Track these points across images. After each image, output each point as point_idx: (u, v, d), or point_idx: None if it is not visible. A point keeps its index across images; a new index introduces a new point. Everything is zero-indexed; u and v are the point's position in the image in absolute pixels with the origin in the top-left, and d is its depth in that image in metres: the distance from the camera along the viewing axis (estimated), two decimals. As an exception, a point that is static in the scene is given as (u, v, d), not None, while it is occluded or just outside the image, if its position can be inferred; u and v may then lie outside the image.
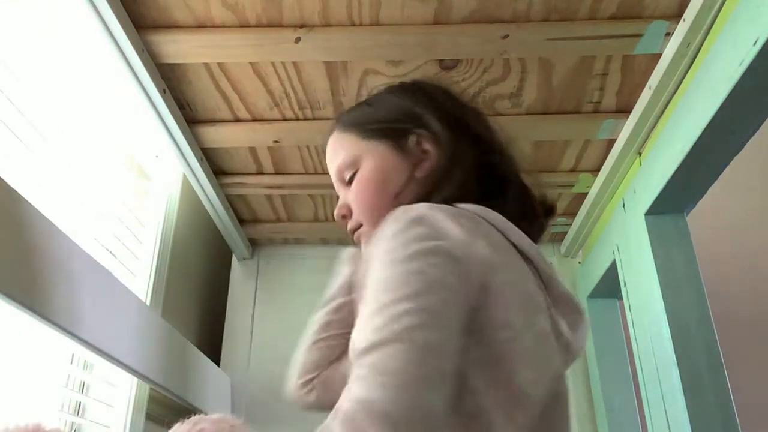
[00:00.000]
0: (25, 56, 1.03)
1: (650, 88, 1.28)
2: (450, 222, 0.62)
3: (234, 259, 1.99)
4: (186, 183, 1.69)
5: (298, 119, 1.43)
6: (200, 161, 1.50)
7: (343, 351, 0.86)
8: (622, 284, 1.53)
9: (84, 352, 1.12)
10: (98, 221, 1.26)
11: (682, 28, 1.14)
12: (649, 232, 1.36)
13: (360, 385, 0.52)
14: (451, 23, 1.18)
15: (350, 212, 0.82)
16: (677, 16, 1.15)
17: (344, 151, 0.82)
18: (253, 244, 2.00)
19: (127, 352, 1.11)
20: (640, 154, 1.45)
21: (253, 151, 1.55)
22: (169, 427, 0.70)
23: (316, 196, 1.75)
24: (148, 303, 1.44)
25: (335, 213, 0.84)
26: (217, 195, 1.65)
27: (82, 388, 1.23)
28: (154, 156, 1.58)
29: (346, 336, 0.82)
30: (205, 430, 0.67)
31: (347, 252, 0.95)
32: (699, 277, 1.30)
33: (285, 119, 1.43)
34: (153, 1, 1.11)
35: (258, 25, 1.18)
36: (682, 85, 1.23)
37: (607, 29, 1.18)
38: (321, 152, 1.52)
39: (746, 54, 0.96)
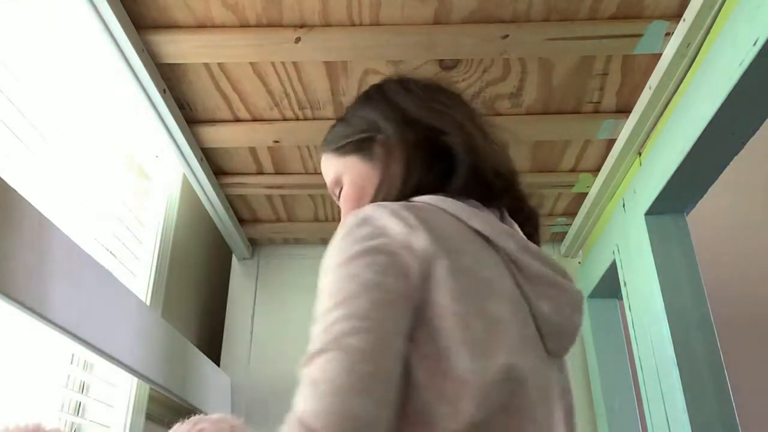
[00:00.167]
0: (25, 56, 1.03)
1: (650, 88, 1.28)
2: (390, 218, 0.63)
3: (234, 259, 1.99)
4: (186, 183, 1.69)
5: (298, 119, 1.43)
6: (200, 161, 1.50)
7: None
8: (622, 284, 1.53)
9: (84, 352, 1.12)
10: (98, 221, 1.26)
11: (682, 28, 1.14)
12: (649, 232, 1.36)
13: (299, 397, 0.54)
14: (451, 23, 1.18)
15: None
16: (677, 16, 1.15)
17: (329, 171, 0.87)
18: (253, 244, 2.00)
19: (127, 352, 1.11)
20: (640, 154, 1.45)
21: (253, 151, 1.55)
22: (169, 427, 0.70)
23: (316, 196, 1.75)
24: (148, 303, 1.44)
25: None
26: (217, 195, 1.65)
27: (82, 388, 1.23)
28: (154, 156, 1.58)
29: None
30: (205, 430, 0.68)
31: None
32: (699, 277, 1.30)
33: (285, 119, 1.43)
34: (153, 1, 1.11)
35: (258, 25, 1.18)
36: (682, 85, 1.23)
37: (607, 29, 1.18)
38: (321, 152, 1.52)
39: (746, 54, 0.96)
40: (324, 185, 0.90)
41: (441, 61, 1.26)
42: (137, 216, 1.46)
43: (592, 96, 1.37)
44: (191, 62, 1.25)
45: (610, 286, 1.69)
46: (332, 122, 0.91)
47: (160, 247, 1.52)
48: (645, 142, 1.41)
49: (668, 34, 1.18)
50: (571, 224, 1.86)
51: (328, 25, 1.18)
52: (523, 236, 0.74)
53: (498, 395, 0.57)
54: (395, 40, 1.19)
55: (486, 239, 0.67)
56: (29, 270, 0.84)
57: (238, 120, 1.44)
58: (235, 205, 1.80)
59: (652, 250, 1.34)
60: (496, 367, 0.58)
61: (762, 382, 2.48)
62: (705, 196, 1.30)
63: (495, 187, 0.76)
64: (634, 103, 1.36)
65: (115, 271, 1.29)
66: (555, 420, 0.64)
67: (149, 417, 1.36)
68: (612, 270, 1.61)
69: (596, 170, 1.62)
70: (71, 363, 1.17)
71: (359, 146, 0.82)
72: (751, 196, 2.32)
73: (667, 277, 1.31)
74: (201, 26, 1.18)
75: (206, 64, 1.26)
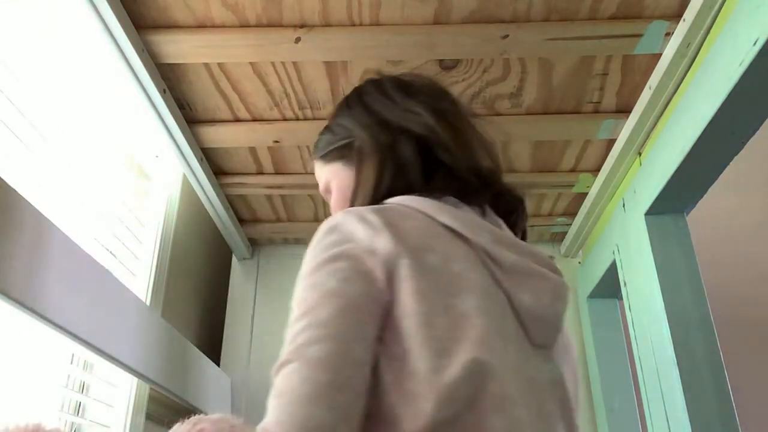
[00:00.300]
0: (25, 56, 1.03)
1: (650, 88, 1.28)
2: (357, 223, 0.65)
3: (234, 259, 1.99)
4: (186, 183, 1.69)
5: (298, 119, 1.43)
6: (200, 161, 1.50)
7: None
8: (622, 284, 1.53)
9: (84, 352, 1.12)
10: (98, 221, 1.26)
11: (682, 28, 1.14)
12: (649, 232, 1.36)
13: (268, 408, 0.55)
14: (451, 23, 1.18)
15: None
16: (677, 16, 1.15)
17: (320, 178, 0.89)
18: (253, 244, 2.00)
19: (127, 352, 1.11)
20: (640, 154, 1.45)
21: (253, 151, 1.55)
22: (169, 427, 0.70)
23: (316, 196, 1.75)
24: (148, 303, 1.44)
25: None
26: (217, 195, 1.65)
27: (82, 388, 1.23)
28: (154, 156, 1.58)
29: None
30: (205, 430, 0.67)
31: None
32: (699, 277, 1.30)
33: (285, 119, 1.43)
34: (153, 1, 1.12)
35: (258, 25, 1.18)
36: (682, 85, 1.23)
37: (607, 29, 1.18)
38: (321, 152, 1.52)
39: (746, 54, 0.96)
40: (323, 187, 0.91)
41: (441, 61, 1.26)
42: (137, 216, 1.46)
43: (592, 96, 1.37)
44: (191, 62, 1.25)
45: (610, 286, 1.69)
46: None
47: (160, 247, 1.52)
48: (645, 142, 1.41)
49: (668, 34, 1.18)
50: (571, 224, 1.86)
51: (328, 25, 1.18)
52: (500, 229, 0.73)
53: (463, 392, 0.57)
54: (395, 40, 1.19)
55: (458, 234, 0.67)
56: (29, 270, 0.84)
57: (238, 120, 1.44)
58: (235, 205, 1.80)
59: (652, 250, 1.34)
60: (458, 364, 0.58)
61: (762, 382, 2.48)
62: (705, 196, 1.30)
63: (472, 184, 0.76)
64: (634, 103, 1.36)
65: (115, 271, 1.29)
66: (547, 412, 0.63)
67: (149, 417, 1.36)
68: (612, 270, 1.61)
69: (596, 170, 1.62)
70: (71, 363, 1.17)
71: (341, 153, 0.84)
72: (751, 197, 2.32)
73: (667, 277, 1.31)
74: (201, 26, 1.18)
75: (206, 64, 1.26)
